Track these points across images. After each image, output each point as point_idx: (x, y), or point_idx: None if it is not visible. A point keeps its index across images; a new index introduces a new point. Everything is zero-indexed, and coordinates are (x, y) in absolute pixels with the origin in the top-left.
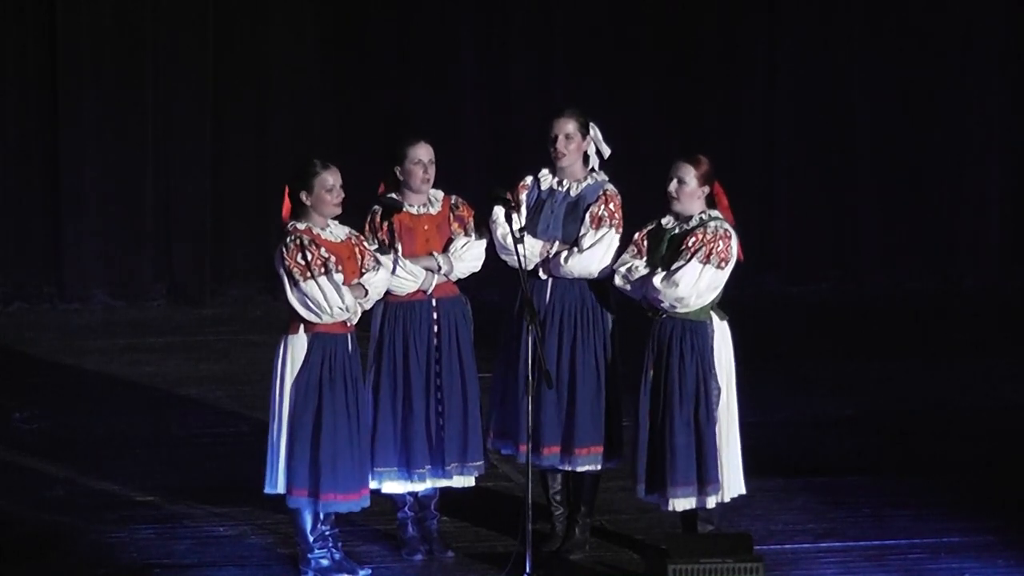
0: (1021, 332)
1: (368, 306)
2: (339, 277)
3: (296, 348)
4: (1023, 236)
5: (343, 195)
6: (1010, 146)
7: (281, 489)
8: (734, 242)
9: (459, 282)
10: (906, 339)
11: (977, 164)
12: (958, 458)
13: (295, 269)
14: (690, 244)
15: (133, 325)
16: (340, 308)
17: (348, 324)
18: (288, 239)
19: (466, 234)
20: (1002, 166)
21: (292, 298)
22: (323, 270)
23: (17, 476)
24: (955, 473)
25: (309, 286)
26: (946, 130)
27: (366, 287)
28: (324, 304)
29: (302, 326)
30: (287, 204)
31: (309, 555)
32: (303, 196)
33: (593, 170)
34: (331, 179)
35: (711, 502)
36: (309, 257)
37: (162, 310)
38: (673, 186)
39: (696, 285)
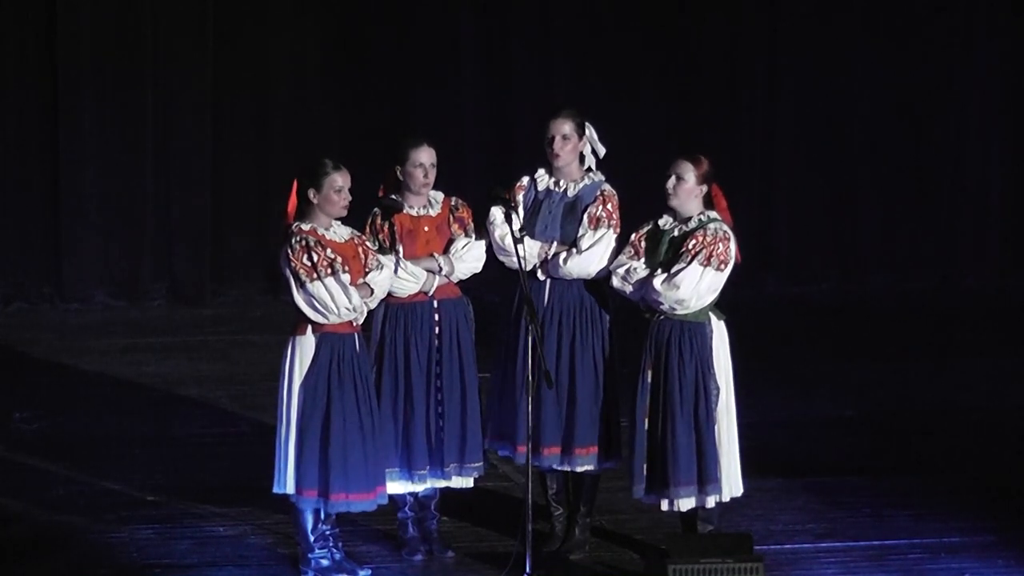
0: (1021, 332)
1: (373, 305)
2: (346, 277)
3: (304, 349)
4: (1023, 236)
5: (350, 198)
6: (1010, 147)
7: (290, 490)
8: (732, 244)
9: (460, 283)
10: (906, 339)
11: (977, 165)
12: (958, 458)
13: (301, 271)
14: (690, 246)
15: (133, 325)
16: (347, 308)
17: (354, 324)
18: (293, 240)
19: (466, 235)
20: (1002, 167)
21: (299, 299)
22: (329, 271)
23: (17, 476)
24: (955, 473)
25: (316, 287)
26: (946, 131)
27: (371, 286)
28: (331, 305)
29: (309, 327)
30: (293, 199)
31: (309, 555)
32: (311, 193)
33: (590, 170)
34: (340, 180)
35: (710, 501)
36: (315, 258)
37: (162, 310)
38: (671, 183)
39: (697, 287)
